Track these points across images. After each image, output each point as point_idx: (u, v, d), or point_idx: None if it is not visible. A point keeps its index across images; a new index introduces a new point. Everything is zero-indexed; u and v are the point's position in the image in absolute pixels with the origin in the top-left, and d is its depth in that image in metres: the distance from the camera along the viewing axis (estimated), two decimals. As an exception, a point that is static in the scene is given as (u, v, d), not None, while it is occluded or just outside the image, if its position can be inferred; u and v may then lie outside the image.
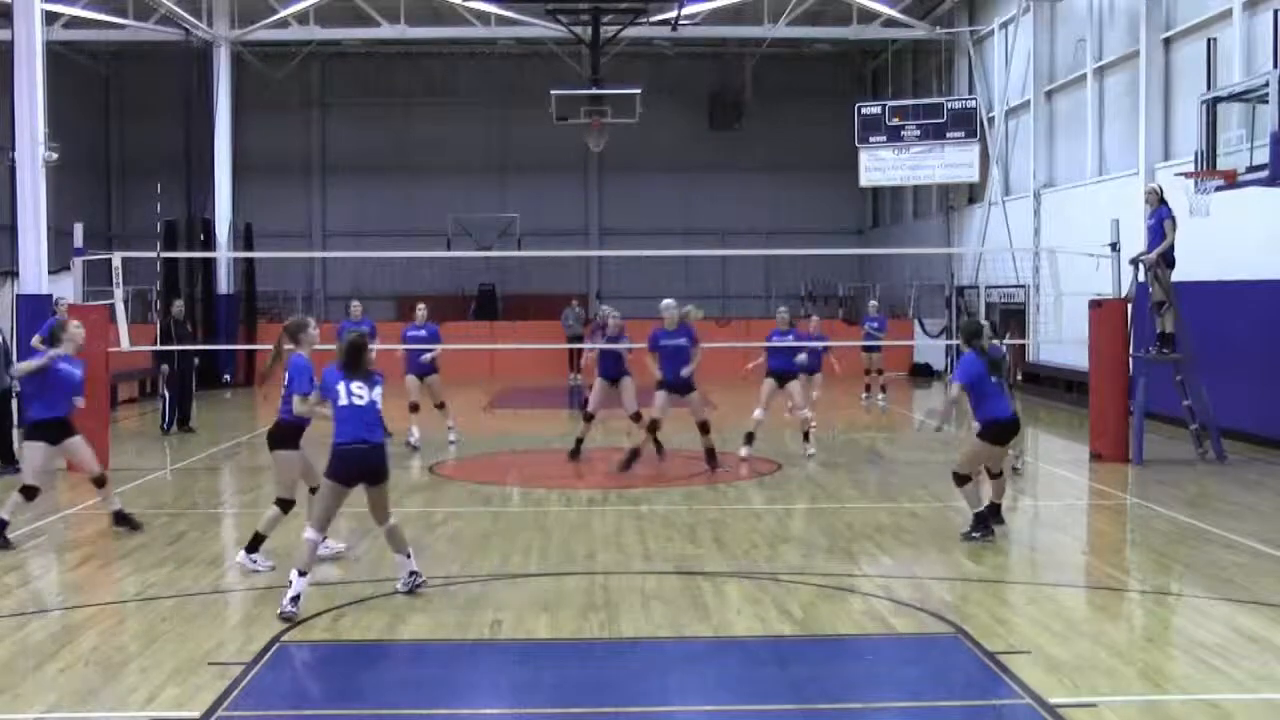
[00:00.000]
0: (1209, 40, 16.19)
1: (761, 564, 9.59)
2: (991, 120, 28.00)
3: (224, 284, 29.19)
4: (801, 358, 15.35)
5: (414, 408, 16.33)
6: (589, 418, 15.43)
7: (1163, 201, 15.01)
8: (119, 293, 15.25)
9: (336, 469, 8.20)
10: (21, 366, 10.86)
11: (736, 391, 20.17)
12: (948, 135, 28.34)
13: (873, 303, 24.91)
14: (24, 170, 16.37)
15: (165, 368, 18.69)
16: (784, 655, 7.28)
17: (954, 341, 25.31)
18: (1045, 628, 7.67)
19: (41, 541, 10.51)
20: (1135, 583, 9.14)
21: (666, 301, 14.69)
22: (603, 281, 36.19)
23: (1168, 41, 20.30)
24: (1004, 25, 27.28)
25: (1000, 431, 10.23)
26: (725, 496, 12.86)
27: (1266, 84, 13.19)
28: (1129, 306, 15.40)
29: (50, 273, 17.09)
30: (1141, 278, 15.38)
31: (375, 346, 16.79)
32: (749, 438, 15.17)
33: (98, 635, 7.63)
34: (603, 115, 26.48)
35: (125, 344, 15.31)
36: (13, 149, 16.53)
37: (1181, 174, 15.28)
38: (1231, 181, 13.90)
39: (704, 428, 14.47)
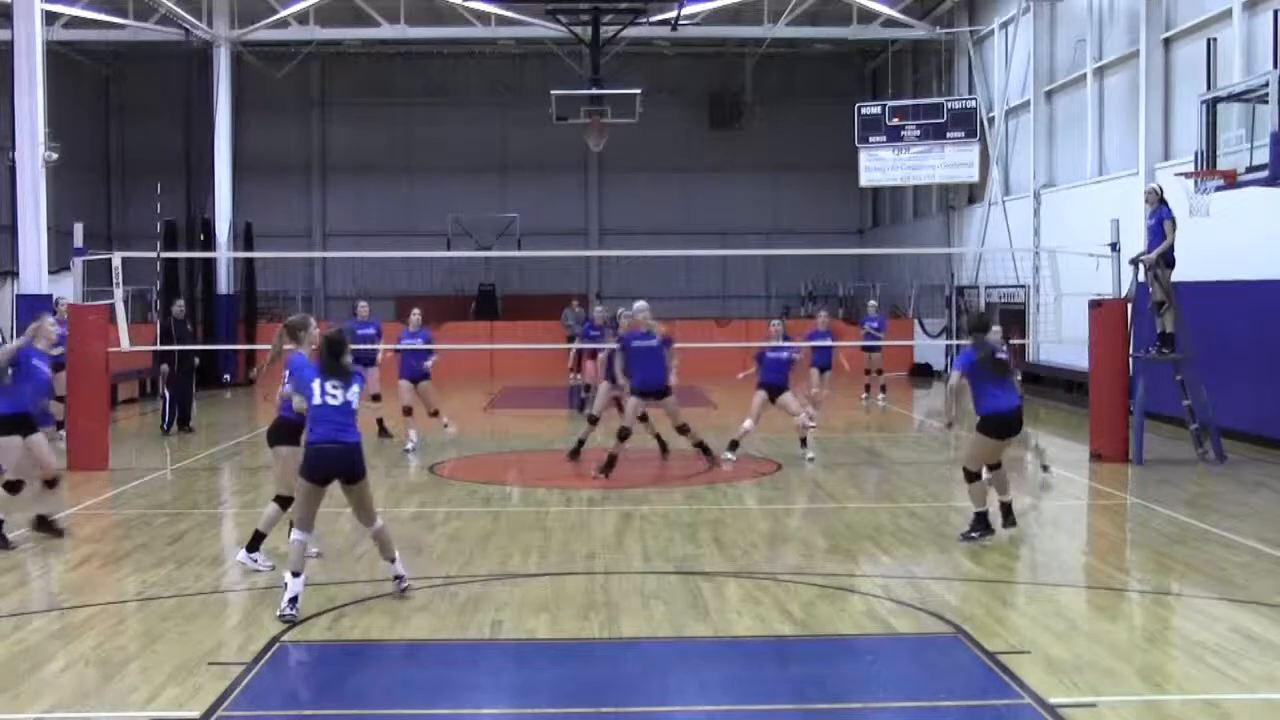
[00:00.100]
0: (1209, 40, 16.21)
1: (761, 564, 9.60)
2: (991, 120, 27.98)
3: (224, 284, 29.19)
4: (797, 356, 15.33)
5: (407, 411, 16.41)
6: (593, 420, 15.44)
7: (1163, 201, 15.01)
8: (119, 293, 15.26)
9: (307, 468, 8.21)
10: None
11: (736, 392, 20.14)
12: (948, 135, 28.30)
13: (872, 303, 24.92)
14: (24, 170, 16.39)
15: (165, 368, 18.68)
16: (784, 655, 7.28)
17: (954, 341, 25.35)
18: (1045, 628, 7.67)
19: (41, 541, 10.48)
20: (1135, 583, 9.14)
21: (639, 304, 14.73)
22: (602, 281, 36.21)
23: (1168, 41, 20.30)
24: (1004, 25, 27.27)
25: (1000, 425, 10.16)
26: (725, 496, 12.85)
27: (1266, 84, 13.19)
28: (1129, 306, 15.41)
29: (50, 273, 17.14)
30: (1141, 278, 15.38)
31: (376, 347, 17.12)
32: (733, 445, 15.08)
33: (98, 635, 7.63)
34: (602, 115, 26.48)
35: (125, 344, 15.32)
36: (13, 149, 16.56)
37: (1181, 174, 15.27)
38: (1231, 181, 13.90)
39: (683, 430, 14.43)
